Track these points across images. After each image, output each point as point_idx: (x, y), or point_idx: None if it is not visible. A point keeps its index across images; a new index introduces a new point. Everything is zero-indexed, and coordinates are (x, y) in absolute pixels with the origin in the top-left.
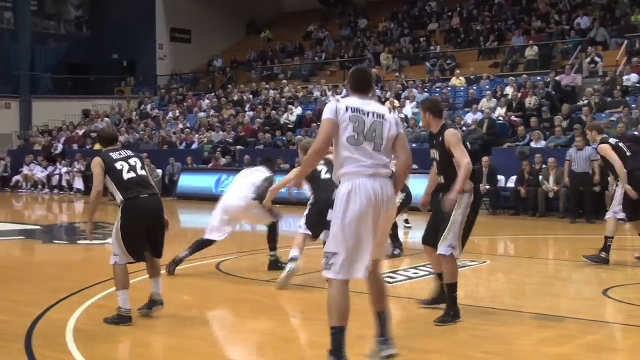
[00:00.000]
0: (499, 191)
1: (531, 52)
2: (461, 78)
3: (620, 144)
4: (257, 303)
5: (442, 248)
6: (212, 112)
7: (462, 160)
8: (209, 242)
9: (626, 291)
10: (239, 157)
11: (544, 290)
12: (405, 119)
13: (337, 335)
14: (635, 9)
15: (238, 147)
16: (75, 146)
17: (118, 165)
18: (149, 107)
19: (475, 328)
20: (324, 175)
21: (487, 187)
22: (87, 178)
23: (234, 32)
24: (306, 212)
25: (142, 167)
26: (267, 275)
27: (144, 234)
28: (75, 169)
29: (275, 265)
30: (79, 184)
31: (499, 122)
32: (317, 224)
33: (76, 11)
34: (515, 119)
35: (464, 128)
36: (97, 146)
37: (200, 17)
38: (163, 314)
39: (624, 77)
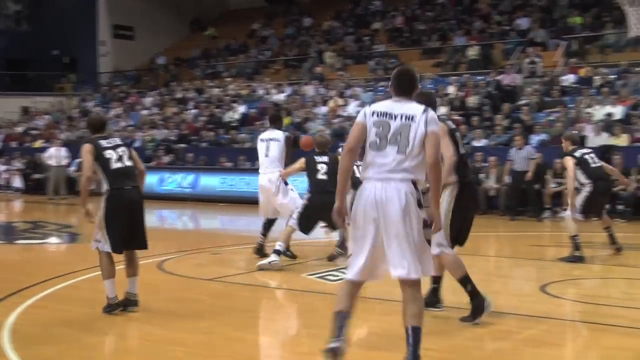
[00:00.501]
0: None
1: (473, 52)
2: None
3: (586, 156)
4: (200, 302)
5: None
6: (155, 110)
7: (444, 154)
8: (271, 221)
9: (563, 287)
10: (182, 156)
11: (484, 286)
12: (349, 118)
13: (335, 318)
14: (573, 11)
15: (181, 145)
16: (14, 144)
17: (107, 153)
18: (90, 104)
19: None
20: (321, 175)
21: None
22: (26, 176)
23: (178, 30)
24: (300, 208)
25: (130, 158)
26: (210, 274)
27: (125, 226)
28: (14, 168)
29: (260, 251)
30: (18, 182)
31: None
32: (306, 222)
33: (15, 6)
34: (457, 117)
35: None
36: (36, 144)
37: (144, 13)
38: (102, 314)
39: (562, 78)
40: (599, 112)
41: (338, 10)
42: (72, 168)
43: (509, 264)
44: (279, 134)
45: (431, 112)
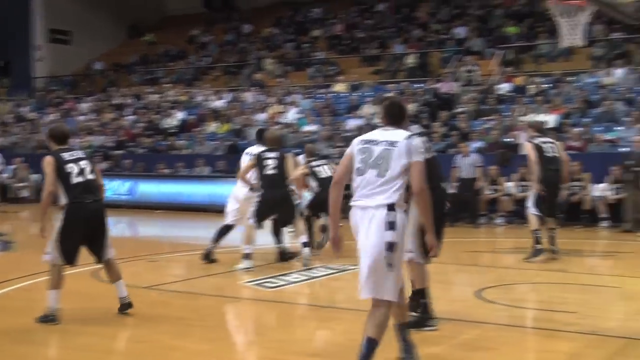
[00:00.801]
0: None
1: (411, 60)
2: (343, 84)
3: (544, 145)
4: (136, 310)
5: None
6: (92, 116)
7: None
8: (228, 228)
9: (498, 292)
10: (119, 162)
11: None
12: (288, 125)
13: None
14: (508, 21)
15: (119, 151)
16: None
17: (68, 167)
18: (25, 109)
19: (353, 332)
20: (270, 170)
21: None
22: None
23: (116, 35)
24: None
25: (92, 171)
26: (147, 282)
27: (81, 239)
28: None
29: (208, 257)
30: None
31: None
32: (259, 218)
33: None
34: None
35: (345, 134)
36: None
37: (81, 18)
38: (35, 324)
39: (498, 86)
40: (534, 120)
41: (278, 17)
42: (5, 175)
43: (446, 269)
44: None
45: (415, 140)
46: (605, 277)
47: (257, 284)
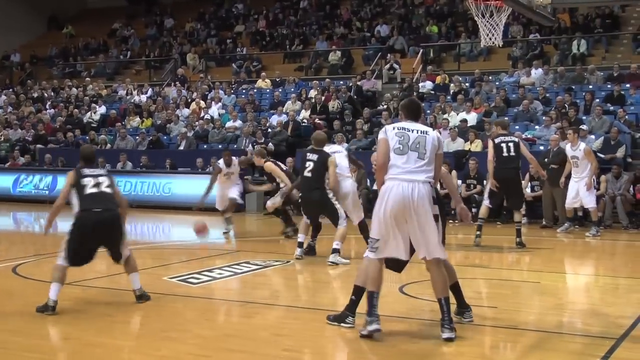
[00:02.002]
0: None
1: (334, 57)
2: (267, 80)
3: (503, 144)
4: (57, 307)
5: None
6: (9, 109)
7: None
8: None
9: (420, 287)
10: (39, 157)
11: (343, 287)
12: (212, 120)
13: (372, 297)
14: (430, 21)
15: (38, 145)
16: None
17: (85, 180)
18: None
19: (277, 326)
20: (307, 173)
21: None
22: None
23: (34, 26)
24: None
25: (109, 186)
26: (69, 278)
27: (89, 245)
28: None
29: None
30: None
31: (303, 124)
32: None
33: None
34: (318, 121)
35: (269, 130)
36: None
37: None
38: None
39: (420, 84)
40: (455, 118)
41: (200, 12)
42: None
43: None
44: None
45: (439, 135)
46: (524, 273)
47: (182, 280)
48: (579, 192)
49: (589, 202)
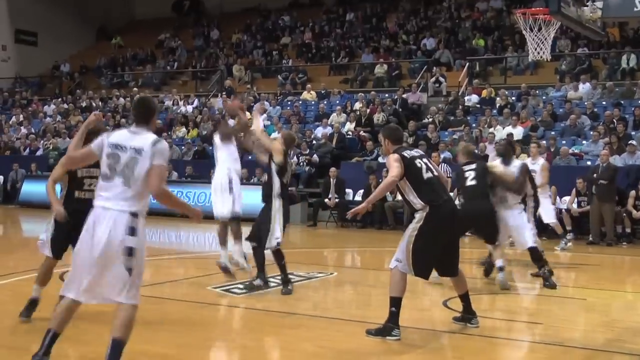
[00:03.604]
0: (348, 204)
1: (380, 69)
2: (312, 92)
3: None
4: (100, 315)
5: (391, 261)
6: (58, 118)
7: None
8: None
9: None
10: None
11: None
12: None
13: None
14: (476, 34)
15: None
16: None
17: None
18: None
19: (320, 338)
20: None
21: (337, 199)
22: None
23: (84, 37)
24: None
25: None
26: None
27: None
28: None
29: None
30: None
31: (348, 136)
32: None
33: None
34: (364, 134)
35: (314, 142)
36: None
37: (48, 19)
38: None
39: (466, 98)
40: (500, 132)
41: (247, 24)
42: None
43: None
44: None
45: (160, 144)
46: (570, 289)
47: (226, 290)
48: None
49: (548, 218)
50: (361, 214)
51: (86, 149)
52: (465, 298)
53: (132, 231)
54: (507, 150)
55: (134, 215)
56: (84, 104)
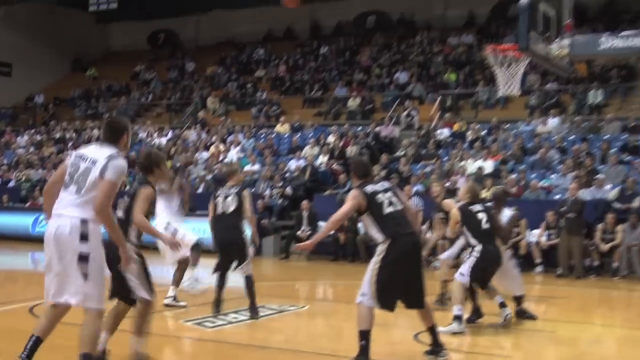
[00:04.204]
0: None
1: (353, 102)
2: (286, 125)
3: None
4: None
5: (357, 296)
6: (32, 149)
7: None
8: None
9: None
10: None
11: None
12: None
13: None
14: (448, 68)
15: None
16: None
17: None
18: None
19: None
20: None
21: (309, 232)
22: None
23: (59, 68)
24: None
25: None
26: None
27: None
28: None
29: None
30: None
31: (321, 169)
32: None
33: None
34: (336, 167)
35: (287, 174)
36: None
37: (23, 50)
38: None
39: (438, 131)
40: (471, 165)
41: (222, 57)
42: None
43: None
44: None
45: (115, 160)
46: (539, 322)
47: (197, 323)
48: None
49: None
50: (309, 249)
51: (61, 165)
52: (432, 331)
53: (84, 237)
54: (501, 198)
55: (85, 222)
56: (57, 135)
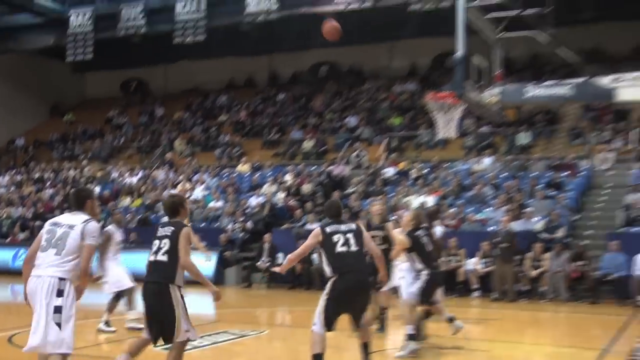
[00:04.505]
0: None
1: (308, 144)
2: (247, 165)
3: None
4: None
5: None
6: (12, 188)
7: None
8: None
9: (381, 357)
10: (37, 232)
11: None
12: (196, 201)
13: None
14: (393, 113)
15: (37, 222)
16: None
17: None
18: None
19: None
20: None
21: (269, 262)
22: None
23: (38, 114)
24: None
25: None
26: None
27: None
28: None
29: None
30: None
31: (279, 205)
32: None
33: None
34: (293, 203)
35: (248, 210)
36: None
37: (6, 97)
38: None
39: (384, 170)
40: (415, 200)
41: (188, 103)
42: None
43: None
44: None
45: (89, 225)
46: (476, 342)
47: (165, 348)
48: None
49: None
50: (283, 272)
51: (37, 236)
52: (364, 348)
53: (60, 293)
54: (434, 215)
55: (62, 279)
56: (36, 175)
